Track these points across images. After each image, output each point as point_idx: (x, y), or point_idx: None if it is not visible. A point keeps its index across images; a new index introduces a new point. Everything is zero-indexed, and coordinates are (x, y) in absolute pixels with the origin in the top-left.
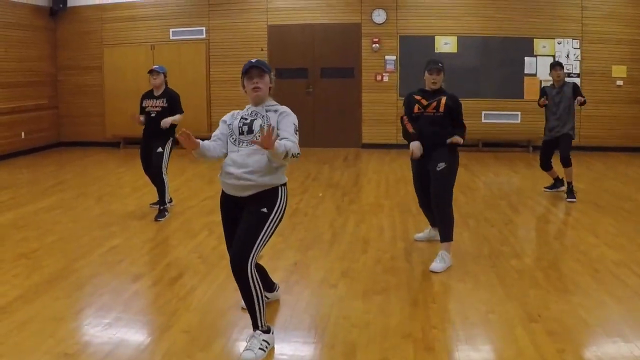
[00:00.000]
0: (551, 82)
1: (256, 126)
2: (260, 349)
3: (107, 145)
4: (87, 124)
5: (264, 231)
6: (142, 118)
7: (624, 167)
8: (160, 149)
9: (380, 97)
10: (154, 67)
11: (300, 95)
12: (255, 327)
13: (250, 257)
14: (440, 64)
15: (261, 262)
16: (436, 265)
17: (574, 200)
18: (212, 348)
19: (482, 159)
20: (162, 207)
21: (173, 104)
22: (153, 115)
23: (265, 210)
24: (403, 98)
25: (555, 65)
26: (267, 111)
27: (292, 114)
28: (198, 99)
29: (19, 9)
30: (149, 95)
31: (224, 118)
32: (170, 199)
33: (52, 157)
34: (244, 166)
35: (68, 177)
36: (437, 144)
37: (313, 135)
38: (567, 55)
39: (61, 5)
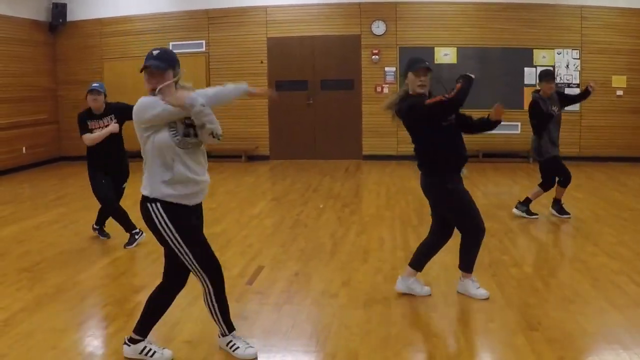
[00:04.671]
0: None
1: None
2: (249, 345)
3: None
4: None
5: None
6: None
7: (624, 177)
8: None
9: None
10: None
11: (301, 108)
12: (224, 334)
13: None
14: (427, 62)
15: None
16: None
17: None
18: (214, 357)
19: (482, 169)
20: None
21: None
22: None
23: None
24: None
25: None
26: None
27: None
28: None
29: (18, 24)
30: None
31: None
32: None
33: (53, 172)
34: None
35: (69, 190)
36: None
37: (314, 147)
38: (567, 66)
39: (60, 20)
